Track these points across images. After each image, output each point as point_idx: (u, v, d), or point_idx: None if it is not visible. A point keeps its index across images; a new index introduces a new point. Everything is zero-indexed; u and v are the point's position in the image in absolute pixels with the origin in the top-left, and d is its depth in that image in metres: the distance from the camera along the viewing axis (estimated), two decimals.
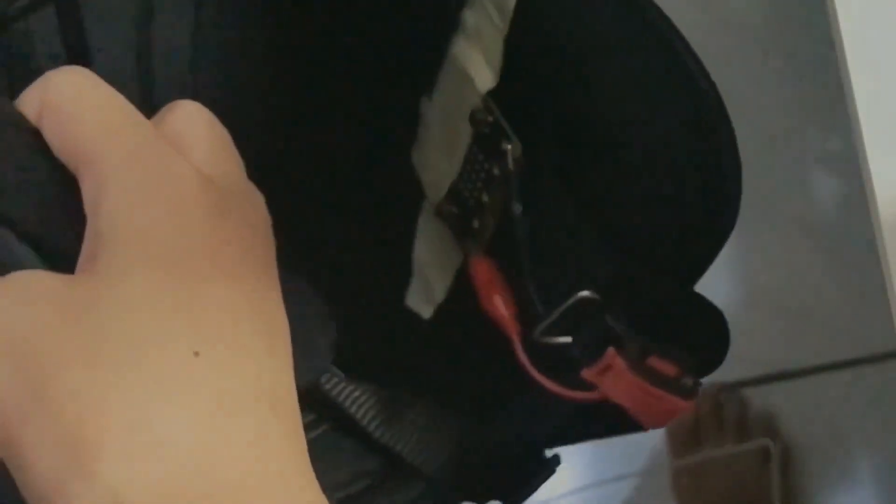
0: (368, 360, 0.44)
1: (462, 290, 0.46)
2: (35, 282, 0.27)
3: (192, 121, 0.30)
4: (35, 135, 0.29)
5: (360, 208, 0.48)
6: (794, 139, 1.08)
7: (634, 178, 0.40)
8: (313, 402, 0.42)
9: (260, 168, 0.34)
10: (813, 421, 1.08)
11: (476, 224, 0.45)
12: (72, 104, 0.29)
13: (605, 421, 0.45)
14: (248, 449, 0.27)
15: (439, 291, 0.47)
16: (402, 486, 0.44)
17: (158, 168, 0.28)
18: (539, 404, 0.44)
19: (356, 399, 0.42)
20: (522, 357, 0.42)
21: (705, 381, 1.17)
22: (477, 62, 0.43)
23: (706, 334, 0.40)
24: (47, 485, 0.25)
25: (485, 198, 0.44)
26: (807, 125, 1.07)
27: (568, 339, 0.41)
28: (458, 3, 0.43)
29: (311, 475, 0.28)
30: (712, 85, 0.36)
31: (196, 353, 0.26)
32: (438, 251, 0.47)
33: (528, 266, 0.42)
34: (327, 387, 0.41)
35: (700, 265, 0.39)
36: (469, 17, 0.43)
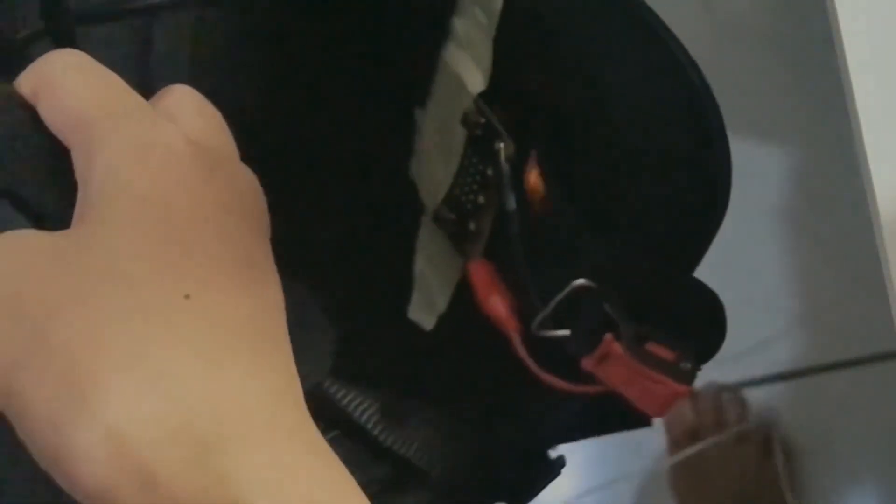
0: (371, 370, 0.44)
1: (462, 298, 0.46)
2: (24, 237, 0.28)
3: (184, 100, 0.32)
4: (29, 110, 0.30)
5: (360, 223, 0.48)
6: (794, 139, 1.08)
7: (625, 166, 0.40)
8: (320, 410, 0.43)
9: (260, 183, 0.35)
10: (813, 421, 1.08)
11: (473, 226, 0.45)
12: (66, 79, 0.30)
13: (610, 417, 0.45)
14: (246, 385, 0.27)
15: (441, 302, 0.48)
16: (411, 490, 0.44)
17: (147, 131, 0.29)
18: (545, 405, 0.44)
19: (360, 405, 0.43)
20: (523, 353, 0.42)
21: (706, 381, 1.16)
22: (468, 66, 0.43)
23: (703, 319, 0.40)
24: (48, 428, 0.25)
25: (480, 199, 0.44)
26: (806, 125, 1.08)
27: (566, 332, 0.41)
28: (448, 10, 0.44)
29: (305, 410, 0.29)
30: (700, 74, 0.37)
31: (187, 296, 0.27)
32: (439, 262, 0.48)
33: (524, 261, 0.42)
34: (332, 392, 0.42)
35: (694, 252, 0.40)
36: (458, 23, 0.44)
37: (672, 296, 0.41)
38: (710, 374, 1.06)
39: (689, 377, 0.39)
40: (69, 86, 0.30)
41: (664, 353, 0.40)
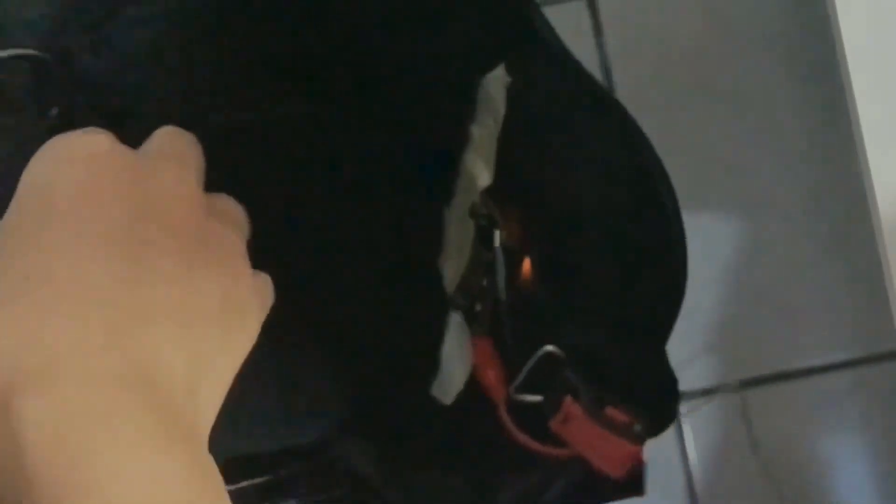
0: (382, 431, 0.48)
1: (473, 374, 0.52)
2: None
3: (160, 130, 0.36)
4: None
5: (397, 306, 0.53)
6: (794, 139, 1.08)
7: (600, 264, 0.45)
8: (331, 465, 0.47)
9: (306, 276, 0.40)
10: (813, 421, 1.10)
11: (478, 307, 0.51)
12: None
13: (604, 486, 0.48)
14: (76, 347, 0.28)
15: (460, 381, 0.52)
16: None
17: (72, 140, 0.33)
18: (536, 475, 0.49)
19: (367, 461, 0.47)
20: (504, 417, 0.46)
21: (708, 380, 1.14)
22: (479, 165, 0.50)
23: (659, 393, 0.43)
24: None
25: (484, 282, 0.50)
26: (807, 125, 1.07)
27: (539, 398, 0.45)
28: (469, 119, 0.50)
29: (140, 400, 0.29)
30: (669, 185, 0.40)
31: (27, 277, 0.29)
32: (460, 343, 0.53)
33: (510, 335, 0.49)
34: (341, 449, 0.46)
35: (656, 335, 0.43)
36: (475, 130, 0.50)
37: (633, 369, 0.44)
38: (712, 373, 1.07)
39: (641, 439, 0.43)
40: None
41: (619, 416, 0.43)
